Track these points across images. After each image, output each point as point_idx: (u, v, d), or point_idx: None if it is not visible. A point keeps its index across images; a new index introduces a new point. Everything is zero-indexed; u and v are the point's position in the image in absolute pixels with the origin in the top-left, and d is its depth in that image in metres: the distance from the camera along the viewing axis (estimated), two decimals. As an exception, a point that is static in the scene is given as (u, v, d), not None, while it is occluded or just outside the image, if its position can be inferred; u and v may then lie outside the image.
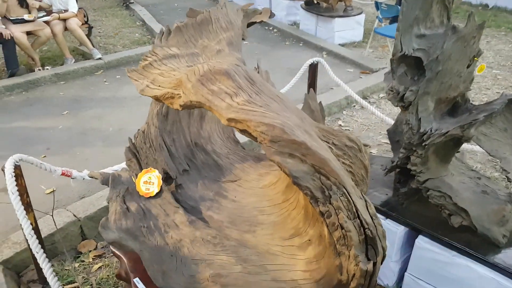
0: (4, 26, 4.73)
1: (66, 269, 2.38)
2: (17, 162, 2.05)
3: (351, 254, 1.06)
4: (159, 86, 1.51)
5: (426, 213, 2.15)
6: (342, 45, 6.62)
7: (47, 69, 5.30)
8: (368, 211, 1.11)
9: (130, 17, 8.08)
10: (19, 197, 1.93)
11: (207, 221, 1.66)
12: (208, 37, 1.71)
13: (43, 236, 2.41)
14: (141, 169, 1.87)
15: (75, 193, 3.06)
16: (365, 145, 3.91)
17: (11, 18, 5.06)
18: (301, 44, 6.74)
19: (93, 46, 5.74)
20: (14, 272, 2.32)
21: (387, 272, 2.24)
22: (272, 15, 2.11)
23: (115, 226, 1.60)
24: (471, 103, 2.10)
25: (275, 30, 7.53)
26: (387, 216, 2.17)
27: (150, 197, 1.74)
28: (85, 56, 5.91)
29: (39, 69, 5.21)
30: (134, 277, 1.61)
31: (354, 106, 4.61)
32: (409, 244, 2.15)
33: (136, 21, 7.78)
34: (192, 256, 1.47)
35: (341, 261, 1.09)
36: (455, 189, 2.01)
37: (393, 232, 2.14)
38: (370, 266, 1.05)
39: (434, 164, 2.05)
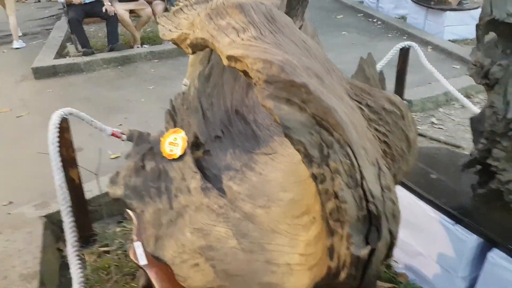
0: (110, 3, 5.08)
1: (107, 232, 2.39)
2: (65, 115, 2.08)
3: (345, 233, 0.79)
4: (180, 29, 1.36)
5: (508, 224, 1.69)
6: (453, 41, 5.89)
7: (145, 47, 5.58)
8: (380, 182, 0.81)
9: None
10: (57, 149, 1.94)
11: (224, 192, 1.48)
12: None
13: (91, 196, 2.45)
14: (175, 132, 1.75)
15: (138, 160, 3.09)
16: (457, 146, 3.36)
17: (117, -4, 5.41)
18: (405, 37, 6.15)
19: (190, 29, 5.89)
20: (58, 227, 2.38)
21: (450, 290, 1.82)
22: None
23: (123, 182, 1.49)
24: None
25: (379, 22, 7.02)
26: (458, 221, 1.76)
27: (173, 159, 1.61)
28: (182, 39, 6.10)
29: (138, 47, 5.51)
30: (137, 241, 1.50)
31: (454, 104, 4.02)
32: (482, 258, 1.71)
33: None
34: (191, 224, 1.30)
35: (333, 242, 0.82)
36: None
37: (463, 241, 1.72)
38: (364, 252, 0.77)
39: (524, 163, 1.59)
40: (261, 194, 1.41)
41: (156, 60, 5.40)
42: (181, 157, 1.61)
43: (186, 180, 1.52)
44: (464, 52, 5.27)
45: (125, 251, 2.29)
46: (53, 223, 2.37)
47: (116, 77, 4.87)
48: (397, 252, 2.05)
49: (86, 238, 2.32)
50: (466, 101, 3.20)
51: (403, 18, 7.15)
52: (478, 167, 1.77)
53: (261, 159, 1.63)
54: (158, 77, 4.88)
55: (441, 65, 4.94)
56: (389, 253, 0.81)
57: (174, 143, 1.65)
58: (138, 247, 1.47)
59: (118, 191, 1.47)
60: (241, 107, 1.85)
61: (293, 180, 1.41)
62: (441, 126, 3.61)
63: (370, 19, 7.26)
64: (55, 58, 5.22)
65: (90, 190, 2.51)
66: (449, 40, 5.88)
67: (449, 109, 3.94)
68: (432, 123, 3.67)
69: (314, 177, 0.83)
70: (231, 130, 1.76)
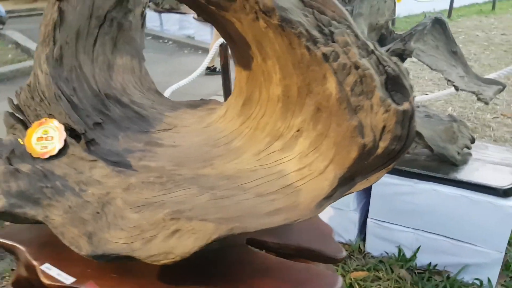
0: None
1: None
2: None
3: (375, 101, 0.79)
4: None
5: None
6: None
7: None
8: (379, 51, 0.85)
9: (1, 41, 7.15)
10: None
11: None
12: None
13: None
14: (32, 132, 1.38)
15: None
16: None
17: None
18: (200, 52, 6.54)
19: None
20: None
21: (347, 225, 2.00)
22: None
23: (0, 191, 1.10)
24: (396, 33, 2.06)
25: (170, 42, 7.27)
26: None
27: (51, 157, 1.26)
28: None
29: None
30: (41, 265, 1.11)
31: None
32: (365, 188, 1.95)
33: (8, 44, 6.90)
34: (131, 205, 1.03)
35: (359, 119, 0.80)
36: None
37: (345, 176, 1.92)
38: (407, 105, 0.78)
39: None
40: (191, 160, 1.22)
41: None
42: (61, 151, 1.28)
43: (84, 172, 1.21)
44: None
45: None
46: None
47: None
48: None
49: None
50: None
51: (190, 37, 7.58)
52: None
53: (163, 135, 1.44)
54: None
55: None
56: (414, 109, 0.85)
57: (46, 137, 1.31)
58: (49, 269, 1.09)
59: (-3, 204, 1.06)
60: (110, 90, 1.61)
61: (220, 135, 1.29)
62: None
63: (161, 40, 7.44)
64: None
65: None
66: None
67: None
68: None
69: (325, 57, 0.80)
70: (109, 114, 1.51)
